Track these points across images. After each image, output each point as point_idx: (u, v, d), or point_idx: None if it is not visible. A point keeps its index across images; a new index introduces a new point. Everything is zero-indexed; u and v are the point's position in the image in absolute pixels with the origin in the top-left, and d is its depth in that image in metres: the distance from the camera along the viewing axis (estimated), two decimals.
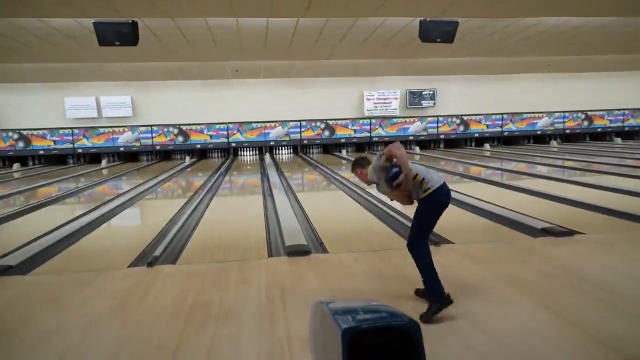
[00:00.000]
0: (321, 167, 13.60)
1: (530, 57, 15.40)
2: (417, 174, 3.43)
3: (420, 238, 3.38)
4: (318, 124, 18.47)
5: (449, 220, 6.18)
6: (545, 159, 13.70)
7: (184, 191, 10.51)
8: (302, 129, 18.39)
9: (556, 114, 19.73)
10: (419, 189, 3.43)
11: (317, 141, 18.55)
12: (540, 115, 19.66)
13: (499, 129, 19.52)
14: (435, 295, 3.25)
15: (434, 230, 4.81)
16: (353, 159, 3.92)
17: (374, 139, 18.60)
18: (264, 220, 6.45)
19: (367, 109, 18.74)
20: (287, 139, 18.26)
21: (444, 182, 3.49)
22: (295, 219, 6.32)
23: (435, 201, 3.41)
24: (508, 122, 19.55)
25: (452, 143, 19.70)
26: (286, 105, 18.36)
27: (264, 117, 18.23)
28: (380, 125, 18.72)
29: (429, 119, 19.06)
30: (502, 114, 19.52)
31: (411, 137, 19.04)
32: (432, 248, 4.35)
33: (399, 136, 18.81)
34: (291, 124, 18.31)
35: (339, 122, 18.61)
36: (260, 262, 4.59)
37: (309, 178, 12.16)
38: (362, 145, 19.04)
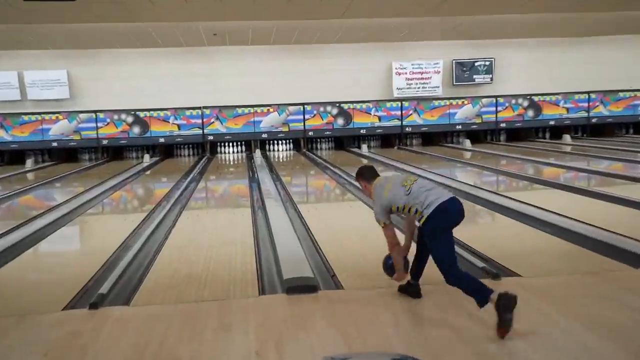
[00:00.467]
0: (332, 168, 13.67)
1: (631, 12, 15.32)
2: (411, 208, 4.26)
3: (450, 268, 4.10)
4: (329, 108, 18.56)
5: (514, 243, 6.26)
6: None
7: (141, 203, 10.59)
8: (307, 116, 18.51)
9: None
10: (415, 219, 4.35)
11: (328, 133, 18.65)
12: None
13: (584, 114, 19.45)
14: (498, 303, 3.83)
15: (492, 258, 4.72)
16: (369, 162, 4.35)
17: (407, 129, 18.66)
18: (253, 243, 6.49)
19: (398, 88, 18.81)
20: (286, 129, 18.38)
21: (443, 201, 4.17)
22: (296, 241, 6.37)
23: (433, 228, 4.16)
24: (597, 104, 19.47)
25: (518, 134, 19.75)
26: (284, 83, 18.48)
27: (254, 99, 18.38)
28: (415, 110, 18.77)
29: (484, 100, 19.08)
30: (588, 92, 19.46)
31: (459, 127, 19.11)
32: (490, 283, 4.32)
33: (441, 125, 18.86)
34: (291, 108, 18.42)
35: (358, 106, 18.71)
36: (248, 302, 4.60)
37: (315, 184, 12.21)
38: (389, 138, 19.12)
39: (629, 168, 11.85)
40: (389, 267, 4.62)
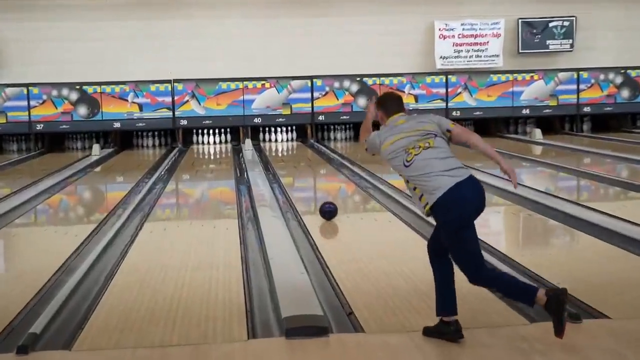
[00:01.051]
0: (351, 166, 13.69)
1: None
2: (415, 187, 4.47)
3: (478, 272, 4.38)
4: (346, 84, 18.58)
5: (600, 271, 6.23)
6: None
7: (88, 211, 10.63)
8: (316, 94, 18.55)
9: None
10: (419, 205, 4.53)
11: (345, 117, 18.69)
12: None
13: None
14: (549, 306, 4.22)
15: (570, 291, 4.70)
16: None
17: (454, 113, 18.63)
18: (241, 267, 6.50)
19: (442, 57, 18.82)
20: (287, 112, 18.44)
21: (457, 183, 4.31)
22: (300, 265, 6.38)
23: (445, 223, 4.36)
24: None
25: (607, 122, 19.72)
26: (286, 49, 18.51)
27: (243, 70, 18.43)
28: (466, 88, 18.75)
29: (561, 75, 19.03)
30: None
31: (525, 111, 19.08)
32: (569, 327, 4.32)
33: (501, 109, 18.81)
34: (294, 84, 18.46)
35: (387, 81, 18.72)
36: (232, 347, 4.60)
37: (327, 188, 12.22)
38: None
39: None
40: (325, 212, 5.07)
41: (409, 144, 4.52)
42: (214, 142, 18.80)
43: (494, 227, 8.77)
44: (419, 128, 4.59)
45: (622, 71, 19.22)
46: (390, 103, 4.84)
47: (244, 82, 18.33)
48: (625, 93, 19.24)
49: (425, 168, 4.37)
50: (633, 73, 19.28)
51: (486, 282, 4.50)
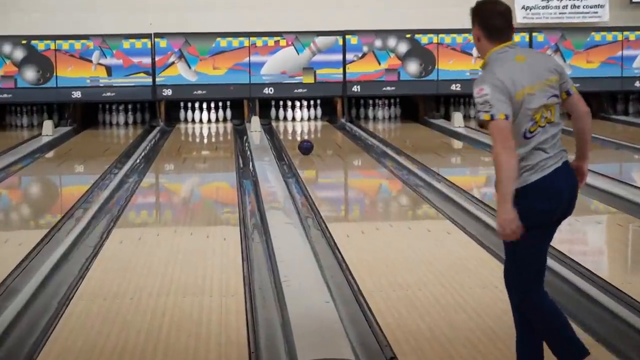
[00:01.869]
0: (396, 156, 13.71)
1: None
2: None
3: (525, 293, 4.42)
4: (391, 43, 18.51)
5: None
6: None
7: (37, 212, 10.67)
8: (349, 56, 18.52)
9: None
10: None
11: (389, 88, 18.66)
12: None
13: None
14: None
15: None
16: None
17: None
18: (243, 292, 6.50)
19: (525, 6, 18.65)
20: (309, 80, 18.47)
21: (555, 169, 4.29)
22: (324, 291, 6.39)
23: (527, 209, 4.23)
24: None
25: None
26: None
27: (249, 23, 18.45)
28: (558, 49, 18.62)
29: None
30: None
31: (639, 85, 18.85)
32: None
33: (606, 80, 18.66)
34: (319, 41, 18.43)
35: (448, 38, 18.67)
36: None
37: (363, 186, 12.24)
38: None
39: None
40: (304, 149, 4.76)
41: (538, 105, 4.29)
42: (209, 121, 18.85)
43: (592, 242, 8.73)
44: (549, 79, 4.36)
45: None
46: (495, 18, 4.39)
47: (251, 38, 18.39)
48: None
49: (538, 146, 4.28)
50: None
51: (534, 312, 4.42)
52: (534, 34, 18.63)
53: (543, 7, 18.70)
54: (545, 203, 4.26)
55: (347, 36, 18.43)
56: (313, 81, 18.47)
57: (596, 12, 18.75)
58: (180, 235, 8.85)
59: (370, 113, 19.10)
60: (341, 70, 18.45)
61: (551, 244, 7.79)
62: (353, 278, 6.79)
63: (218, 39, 18.29)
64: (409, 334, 5.54)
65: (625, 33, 18.77)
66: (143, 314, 6.05)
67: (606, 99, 19.29)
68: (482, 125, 4.22)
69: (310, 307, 5.96)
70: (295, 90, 18.56)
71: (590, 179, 10.69)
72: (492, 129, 4.15)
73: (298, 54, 18.42)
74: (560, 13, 18.74)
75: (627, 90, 19.19)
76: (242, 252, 7.73)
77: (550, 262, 7.19)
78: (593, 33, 18.74)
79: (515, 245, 4.28)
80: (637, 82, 18.87)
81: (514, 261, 4.40)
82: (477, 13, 4.42)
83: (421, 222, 9.44)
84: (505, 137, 4.11)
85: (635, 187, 10.62)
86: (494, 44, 4.35)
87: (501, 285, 6.62)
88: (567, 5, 18.71)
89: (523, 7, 18.61)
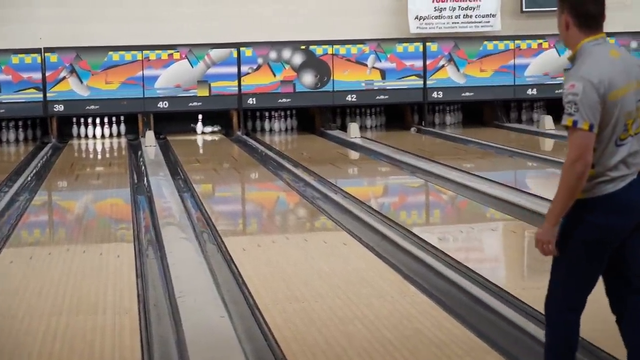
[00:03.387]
0: (293, 168, 13.76)
1: None
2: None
3: (562, 300, 4.17)
4: (286, 54, 18.51)
5: None
6: None
7: None
8: (244, 68, 18.50)
9: None
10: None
11: (285, 100, 18.67)
12: None
13: None
14: None
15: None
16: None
17: (435, 94, 18.69)
18: (137, 310, 6.42)
19: (418, 16, 18.77)
20: (204, 93, 18.39)
21: (630, 183, 3.99)
22: (219, 307, 6.37)
23: (591, 224, 3.99)
24: None
25: None
26: (201, 5, 18.37)
27: (143, 34, 18.33)
28: (451, 60, 18.84)
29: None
30: None
31: (532, 92, 19.19)
32: None
33: (498, 89, 18.89)
34: (214, 54, 18.40)
35: (343, 49, 18.67)
36: None
37: (260, 198, 12.23)
38: (402, 112, 19.40)
39: None
40: None
41: (632, 108, 3.99)
42: (102, 136, 18.59)
43: (487, 250, 8.86)
44: (639, 79, 4.05)
45: None
46: (589, 4, 4.01)
47: (144, 52, 18.25)
48: None
49: (626, 158, 3.99)
50: None
51: (554, 328, 4.22)
52: (427, 43, 18.78)
53: (436, 17, 18.87)
54: (614, 218, 3.97)
55: (241, 48, 18.39)
56: (208, 94, 18.37)
57: (488, 22, 19.00)
58: (73, 254, 8.71)
59: (267, 125, 19.04)
60: (236, 82, 18.40)
61: (447, 252, 8.01)
62: (249, 292, 6.78)
63: (110, 52, 18.11)
64: (305, 347, 5.55)
65: (517, 42, 19.06)
66: (34, 335, 5.94)
67: (500, 108, 19.57)
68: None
69: (206, 322, 5.96)
70: (190, 104, 18.42)
71: (485, 187, 11.03)
72: (572, 137, 3.87)
73: (192, 66, 18.32)
74: (453, 23, 18.94)
75: (520, 99, 19.50)
76: (136, 269, 7.65)
77: (445, 270, 7.35)
78: (485, 42, 18.99)
79: (571, 266, 4.06)
80: (529, 90, 19.18)
81: (564, 285, 4.11)
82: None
83: (318, 233, 9.45)
84: (585, 151, 3.82)
85: (529, 194, 10.78)
86: (586, 34, 3.99)
87: (397, 295, 6.76)
88: (459, 15, 18.92)
89: (416, 18, 18.76)
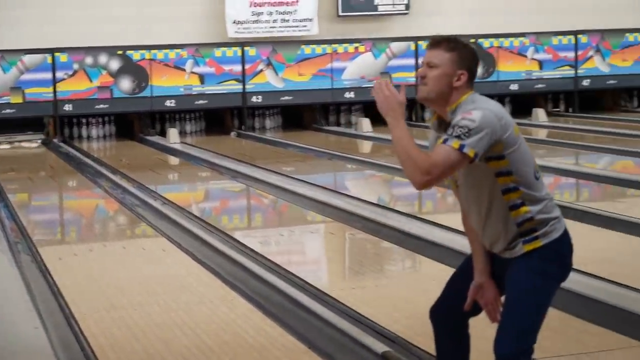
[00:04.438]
0: (112, 175, 13.60)
1: None
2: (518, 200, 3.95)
3: (529, 344, 3.93)
4: (103, 59, 18.19)
5: None
6: None
7: None
8: (60, 73, 18.11)
9: None
10: (509, 222, 3.97)
11: (102, 106, 18.34)
12: None
13: (568, 71, 20.44)
14: None
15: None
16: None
17: (255, 98, 18.73)
18: None
19: (236, 21, 18.72)
20: (17, 99, 17.93)
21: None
22: (33, 318, 6.26)
23: (547, 267, 3.95)
24: (590, 53, 20.53)
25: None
26: (9, 9, 17.97)
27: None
28: (269, 63, 18.88)
29: (394, 47, 19.57)
30: (576, 33, 20.50)
31: (349, 95, 19.38)
32: None
33: (317, 92, 19.07)
34: (27, 59, 17.93)
35: (160, 53, 18.50)
36: None
37: (78, 206, 12.03)
38: (221, 117, 19.35)
39: None
40: None
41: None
42: None
43: (306, 252, 8.93)
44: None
45: (472, 40, 20.00)
46: (477, 65, 4.17)
47: None
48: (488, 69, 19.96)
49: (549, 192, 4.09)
50: (486, 44, 20.13)
51: None
52: (245, 48, 18.78)
53: (254, 22, 18.87)
54: (566, 260, 4.01)
55: (56, 54, 18.01)
56: (22, 101, 17.92)
57: (305, 26, 19.11)
58: None
59: (84, 132, 18.71)
60: (51, 89, 18.01)
61: (267, 255, 8.07)
62: (65, 302, 6.68)
63: None
64: (123, 355, 5.55)
65: (334, 45, 19.22)
66: None
67: (318, 111, 19.70)
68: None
69: (19, 334, 5.88)
70: (3, 111, 17.96)
71: (305, 190, 11.11)
72: (450, 154, 3.76)
73: (4, 72, 17.84)
74: (271, 27, 18.98)
75: (338, 102, 19.64)
76: None
77: (265, 274, 7.37)
78: (303, 46, 19.10)
79: (538, 300, 3.95)
80: (347, 93, 19.37)
81: (531, 321, 3.93)
82: (465, 57, 4.07)
83: (137, 240, 9.42)
84: (446, 171, 3.80)
85: (349, 196, 10.92)
86: (470, 89, 4.05)
87: (217, 300, 6.74)
88: (277, 20, 18.97)
89: (234, 22, 18.73)
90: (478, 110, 3.80)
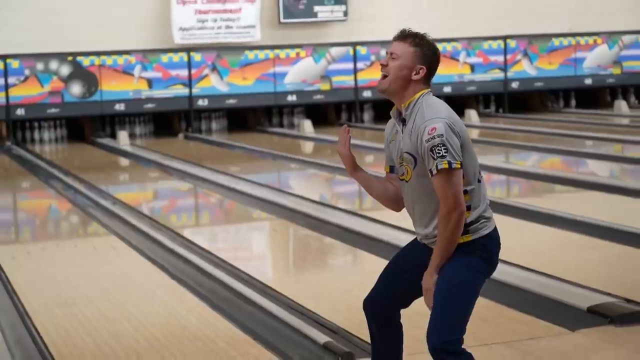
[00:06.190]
0: (64, 177, 13.46)
1: None
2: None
3: (458, 345, 3.93)
4: (53, 65, 18.06)
5: None
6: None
7: None
8: (12, 79, 17.94)
9: None
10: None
11: (53, 110, 18.18)
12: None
13: (498, 74, 20.64)
14: None
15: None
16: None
17: (201, 102, 18.67)
18: None
19: (182, 28, 18.67)
20: None
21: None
22: None
23: (490, 261, 4.05)
24: (519, 57, 20.77)
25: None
26: None
27: None
28: (214, 69, 18.84)
29: (332, 51, 19.62)
30: (505, 37, 20.72)
31: (292, 98, 19.41)
32: None
33: (261, 96, 19.05)
34: None
35: (109, 59, 18.39)
36: None
37: (31, 207, 11.95)
38: (170, 119, 19.34)
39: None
40: None
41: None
42: None
43: (251, 248, 8.94)
44: None
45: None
46: (437, 65, 4.20)
47: None
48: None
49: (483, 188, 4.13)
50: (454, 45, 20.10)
51: (458, 356, 3.98)
52: (191, 53, 18.72)
53: (199, 28, 18.82)
54: (495, 256, 4.04)
55: (7, 60, 17.81)
56: None
57: (248, 32, 19.07)
58: None
59: (37, 135, 18.54)
60: (4, 94, 17.79)
61: (214, 252, 8.08)
62: (19, 299, 6.64)
63: None
64: (75, 349, 5.53)
65: (276, 51, 19.21)
66: None
67: (262, 114, 19.70)
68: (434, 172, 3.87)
69: None
70: None
71: (251, 189, 11.13)
72: (448, 178, 3.84)
73: None
74: (215, 33, 18.94)
75: (281, 105, 19.64)
76: None
77: (213, 269, 7.36)
78: (247, 52, 19.07)
79: (469, 293, 3.97)
80: (289, 96, 19.37)
81: (462, 313, 3.95)
82: (428, 54, 4.12)
83: (88, 239, 9.38)
84: (460, 190, 3.88)
85: (292, 194, 10.94)
86: (426, 87, 4.11)
87: (166, 295, 6.72)
88: (221, 26, 18.93)
89: (180, 29, 18.66)
90: (439, 124, 3.85)
